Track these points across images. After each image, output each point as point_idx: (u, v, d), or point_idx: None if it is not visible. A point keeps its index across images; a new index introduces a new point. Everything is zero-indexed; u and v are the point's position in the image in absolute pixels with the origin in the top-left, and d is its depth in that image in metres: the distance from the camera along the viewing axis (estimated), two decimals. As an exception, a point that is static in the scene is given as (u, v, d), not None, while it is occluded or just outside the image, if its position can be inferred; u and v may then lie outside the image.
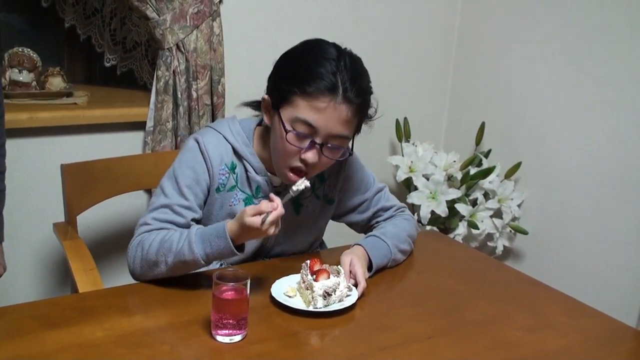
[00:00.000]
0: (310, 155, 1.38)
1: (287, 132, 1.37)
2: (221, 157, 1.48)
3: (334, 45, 1.41)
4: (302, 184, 1.37)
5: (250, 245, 1.54)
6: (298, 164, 1.40)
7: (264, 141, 1.50)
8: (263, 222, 1.27)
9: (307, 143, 1.37)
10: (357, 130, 1.45)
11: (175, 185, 1.45)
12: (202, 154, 1.46)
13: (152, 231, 1.42)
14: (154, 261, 1.37)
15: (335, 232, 1.81)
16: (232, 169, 1.49)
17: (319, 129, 1.36)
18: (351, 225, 1.73)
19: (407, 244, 1.63)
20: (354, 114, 1.37)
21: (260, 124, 1.53)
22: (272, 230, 1.30)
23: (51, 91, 2.17)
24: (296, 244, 1.63)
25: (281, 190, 1.52)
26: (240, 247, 1.36)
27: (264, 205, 1.29)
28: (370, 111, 1.45)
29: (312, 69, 1.35)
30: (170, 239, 1.37)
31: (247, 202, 1.51)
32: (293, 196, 1.38)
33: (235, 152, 1.49)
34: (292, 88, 1.36)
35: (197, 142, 1.48)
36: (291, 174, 1.42)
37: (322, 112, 1.34)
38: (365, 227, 1.71)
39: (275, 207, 1.29)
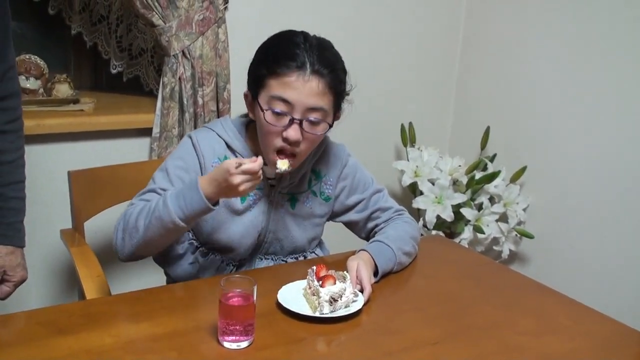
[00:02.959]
0: (292, 133, 1.43)
1: (264, 111, 1.43)
2: (213, 151, 1.54)
3: (302, 32, 1.49)
4: (285, 164, 1.45)
5: (247, 241, 1.58)
6: (282, 144, 1.45)
7: (254, 135, 1.55)
8: (237, 167, 1.30)
9: (286, 121, 1.42)
10: (337, 107, 1.50)
11: (164, 174, 1.52)
12: (194, 146, 1.54)
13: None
14: (133, 226, 1.42)
15: (338, 238, 1.81)
16: None
17: (294, 103, 1.41)
18: (349, 225, 1.74)
19: (411, 247, 1.64)
20: (326, 87, 1.43)
21: (252, 121, 1.58)
22: (242, 186, 1.32)
23: (58, 98, 2.17)
24: (293, 240, 1.64)
25: (275, 182, 1.58)
26: (215, 203, 1.39)
27: (247, 159, 1.34)
28: (347, 88, 1.51)
29: (280, 51, 1.44)
30: (148, 203, 1.43)
31: None
32: (274, 177, 1.51)
33: (228, 146, 1.56)
34: (263, 72, 1.44)
35: (190, 138, 1.55)
36: (277, 157, 1.47)
37: (293, 87, 1.40)
38: (363, 229, 1.72)
39: (254, 160, 1.33)
